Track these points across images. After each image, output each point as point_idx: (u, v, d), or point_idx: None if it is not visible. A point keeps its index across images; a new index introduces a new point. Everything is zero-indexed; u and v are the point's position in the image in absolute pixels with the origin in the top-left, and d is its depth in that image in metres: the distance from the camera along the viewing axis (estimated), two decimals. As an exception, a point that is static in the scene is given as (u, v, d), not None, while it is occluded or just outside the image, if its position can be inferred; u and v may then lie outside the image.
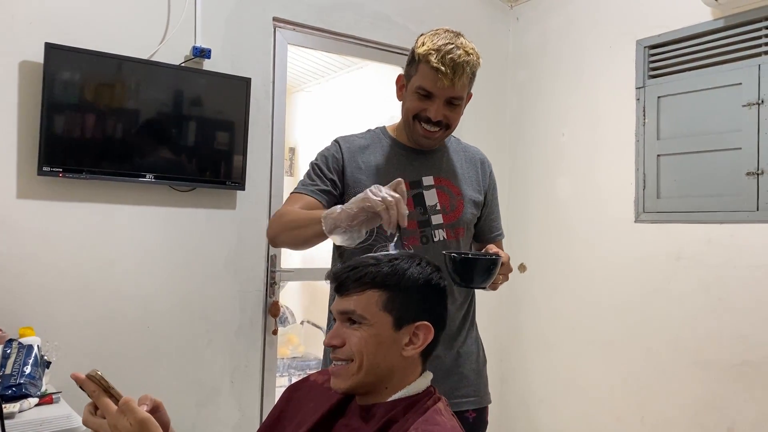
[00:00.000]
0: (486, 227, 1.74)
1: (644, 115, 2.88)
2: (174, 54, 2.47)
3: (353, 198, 1.33)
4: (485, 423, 1.67)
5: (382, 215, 1.28)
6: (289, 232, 1.48)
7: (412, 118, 1.55)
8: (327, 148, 1.65)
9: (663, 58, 2.83)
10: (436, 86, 1.48)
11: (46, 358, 2.02)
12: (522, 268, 3.37)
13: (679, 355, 2.69)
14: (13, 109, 2.18)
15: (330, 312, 1.48)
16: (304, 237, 1.44)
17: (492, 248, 1.46)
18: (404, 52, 3.18)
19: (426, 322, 1.14)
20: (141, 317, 2.42)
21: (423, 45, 1.50)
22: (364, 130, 1.71)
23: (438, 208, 1.60)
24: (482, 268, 1.39)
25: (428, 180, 1.61)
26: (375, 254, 1.20)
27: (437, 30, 1.53)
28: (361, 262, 1.16)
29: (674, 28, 2.77)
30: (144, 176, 2.36)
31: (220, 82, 2.52)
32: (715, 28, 2.63)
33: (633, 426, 2.84)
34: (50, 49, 2.16)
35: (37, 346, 1.97)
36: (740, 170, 2.52)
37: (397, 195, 1.29)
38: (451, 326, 1.62)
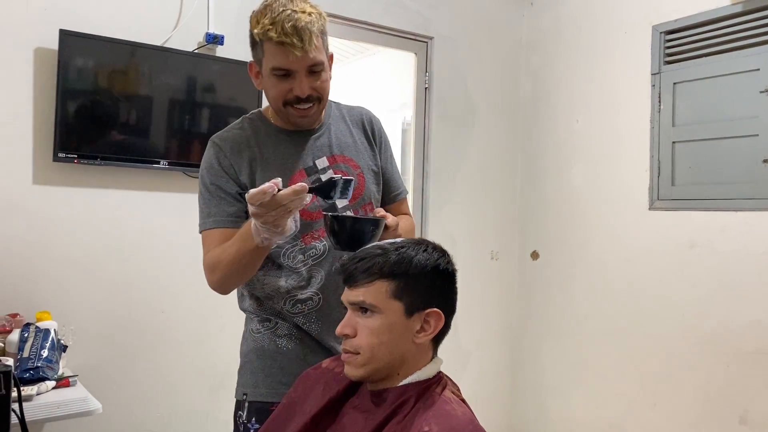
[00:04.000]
0: (385, 189, 1.59)
1: (659, 102, 2.85)
2: (187, 40, 2.48)
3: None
4: None
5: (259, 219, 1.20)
6: (236, 273, 1.38)
7: (282, 105, 1.41)
8: (209, 158, 1.46)
9: (679, 43, 2.80)
10: (289, 60, 1.34)
11: (62, 341, 2.05)
12: (534, 255, 3.36)
13: (691, 342, 2.68)
14: (28, 95, 2.20)
15: None
16: (249, 264, 1.36)
17: (379, 211, 1.37)
18: (418, 38, 3.17)
19: (436, 309, 1.15)
20: (155, 302, 2.44)
21: (258, 23, 1.34)
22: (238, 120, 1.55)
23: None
24: (363, 230, 1.28)
25: (322, 162, 1.48)
26: (381, 243, 1.21)
27: (268, 2, 1.36)
28: (368, 252, 1.17)
29: (691, 13, 2.73)
30: (158, 162, 2.37)
31: (232, 68, 2.52)
32: (732, 13, 2.59)
33: (645, 413, 2.84)
34: (65, 35, 2.17)
35: (54, 330, 2.01)
36: (757, 157, 2.50)
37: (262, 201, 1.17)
38: None
